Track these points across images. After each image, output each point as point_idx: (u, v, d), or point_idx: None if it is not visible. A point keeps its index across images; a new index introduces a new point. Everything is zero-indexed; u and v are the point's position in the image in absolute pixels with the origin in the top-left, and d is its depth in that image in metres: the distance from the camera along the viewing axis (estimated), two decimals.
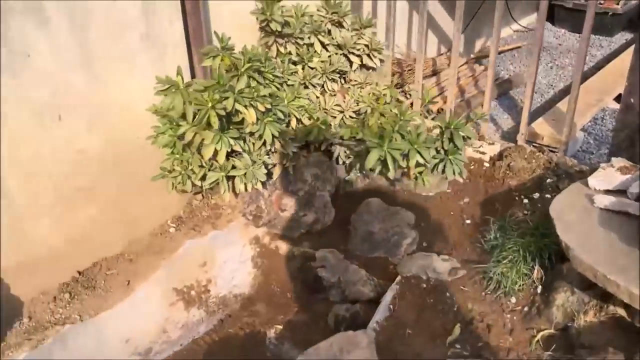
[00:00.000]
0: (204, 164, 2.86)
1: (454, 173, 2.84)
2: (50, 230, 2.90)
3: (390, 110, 2.74)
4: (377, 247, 3.38)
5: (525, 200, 3.35)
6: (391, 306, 2.92)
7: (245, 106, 2.59)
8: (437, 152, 2.79)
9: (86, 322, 2.88)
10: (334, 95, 3.50)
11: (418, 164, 2.66)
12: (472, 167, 3.73)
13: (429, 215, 3.55)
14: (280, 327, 3.38)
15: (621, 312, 2.60)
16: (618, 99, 4.61)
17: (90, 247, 3.11)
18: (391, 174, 2.66)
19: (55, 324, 2.83)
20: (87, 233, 3.06)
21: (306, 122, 3.09)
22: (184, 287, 3.32)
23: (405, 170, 2.90)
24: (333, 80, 3.50)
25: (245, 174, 2.84)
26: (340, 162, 3.44)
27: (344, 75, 3.60)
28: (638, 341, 2.41)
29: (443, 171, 2.84)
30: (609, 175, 2.70)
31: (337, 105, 3.34)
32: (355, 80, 3.55)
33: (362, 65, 3.64)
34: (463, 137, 2.78)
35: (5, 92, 2.49)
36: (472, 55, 5.79)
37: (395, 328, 2.82)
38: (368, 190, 3.69)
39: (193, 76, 3.19)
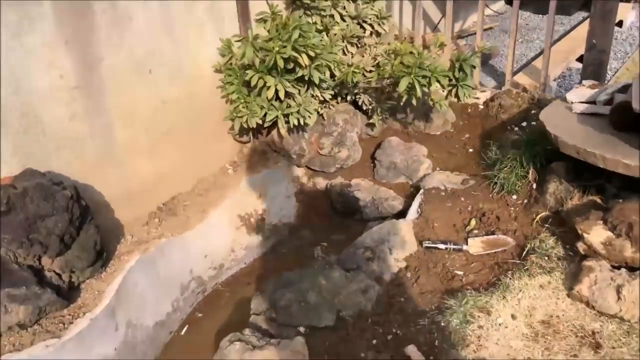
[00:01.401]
0: (264, 105, 3.59)
1: (465, 95, 3.61)
2: (143, 167, 3.58)
3: (410, 53, 3.50)
4: (399, 174, 4.13)
5: (516, 129, 4.16)
6: (419, 210, 3.67)
7: (300, 52, 3.33)
8: (450, 80, 3.56)
9: (176, 238, 3.56)
10: (353, 56, 4.26)
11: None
12: (469, 110, 4.53)
13: (438, 148, 4.33)
14: (325, 244, 4.10)
15: (596, 198, 3.39)
16: (580, 59, 5.51)
17: (171, 183, 3.79)
18: (419, 94, 3.40)
19: (153, 238, 3.50)
20: (168, 171, 3.74)
21: (338, 74, 3.84)
22: (246, 215, 4.02)
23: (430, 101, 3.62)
24: (351, 44, 4.27)
25: (298, 110, 3.58)
26: (364, 108, 4.20)
27: (359, 40, 4.36)
28: None
29: (457, 95, 3.62)
30: (581, 91, 3.52)
31: (359, 61, 4.10)
32: (369, 44, 4.32)
33: (373, 32, 4.41)
34: (470, 65, 3.56)
35: (113, 48, 3.18)
36: (454, 33, 6.64)
37: (425, 223, 3.56)
38: (386, 132, 4.45)
39: None
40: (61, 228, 2.79)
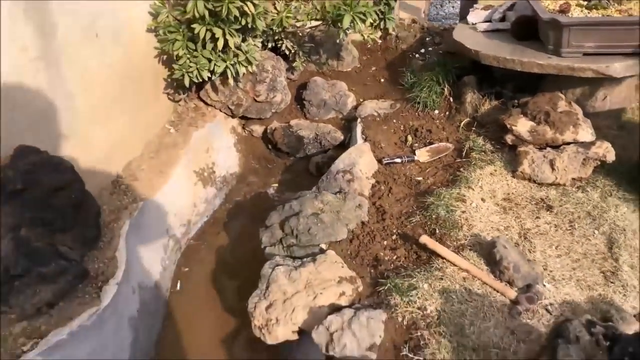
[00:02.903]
0: (212, 58, 3.69)
1: (392, 27, 4.07)
2: (100, 136, 3.50)
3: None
4: (330, 109, 4.53)
5: (417, 55, 4.76)
6: (363, 135, 4.11)
7: (245, 1, 3.48)
8: (377, 15, 3.97)
9: (149, 201, 3.59)
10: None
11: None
12: (368, 46, 5.02)
13: (354, 82, 4.78)
14: (276, 185, 4.39)
15: (497, 102, 4.12)
16: None
17: (123, 150, 3.75)
18: (360, 28, 3.77)
19: (128, 205, 3.50)
20: (120, 138, 3.69)
21: (268, 21, 4.03)
22: (199, 170, 4.13)
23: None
24: None
25: (246, 58, 3.75)
26: (287, 53, 4.46)
27: None
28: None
29: (384, 27, 4.06)
30: (478, 14, 4.20)
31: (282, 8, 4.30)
32: None
33: None
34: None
35: (65, 14, 3.05)
36: None
37: (373, 146, 4.00)
38: (303, 74, 4.78)
39: None
40: (73, 200, 2.74)
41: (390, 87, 4.67)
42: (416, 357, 2.40)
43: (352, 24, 3.72)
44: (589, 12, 3.61)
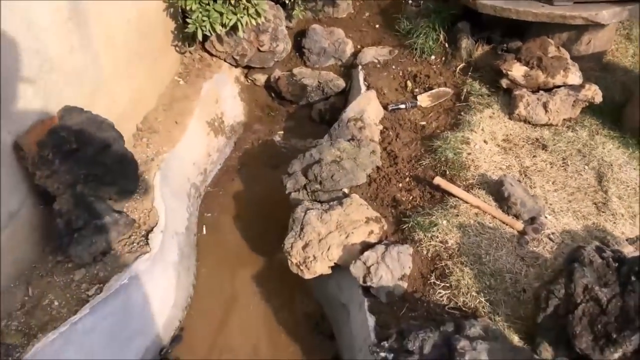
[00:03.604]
0: (223, 11, 3.81)
1: None
2: (122, 90, 3.63)
3: None
4: (329, 57, 4.71)
5: (410, 2, 4.94)
6: (366, 83, 4.34)
7: None
8: None
9: (172, 152, 3.77)
10: None
11: None
12: None
13: (350, 29, 4.94)
14: (281, 132, 4.61)
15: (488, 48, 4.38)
16: None
17: (140, 103, 3.89)
18: None
19: (153, 157, 3.68)
20: (137, 91, 3.82)
21: None
22: (211, 120, 4.31)
23: None
24: None
25: (256, 10, 3.88)
26: (287, 2, 4.58)
27: None
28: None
29: None
30: None
31: None
32: None
33: None
34: None
35: None
36: None
37: (376, 92, 4.25)
38: (300, 23, 4.92)
39: None
40: (117, 156, 2.93)
41: (386, 33, 4.86)
42: (442, 284, 2.76)
43: None
44: None
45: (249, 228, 3.88)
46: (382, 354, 2.25)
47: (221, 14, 3.82)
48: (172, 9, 4.05)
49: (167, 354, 3.11)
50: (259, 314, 3.37)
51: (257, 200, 4.07)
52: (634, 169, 3.43)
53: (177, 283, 3.26)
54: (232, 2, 3.75)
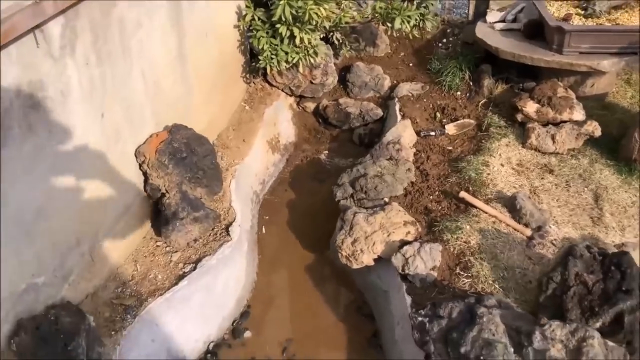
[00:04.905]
0: (288, 51, 4.64)
1: (431, 26, 5.03)
2: (203, 113, 4.45)
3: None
4: (370, 90, 5.51)
5: (440, 45, 5.75)
6: (401, 113, 5.12)
7: (320, 6, 4.41)
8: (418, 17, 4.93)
9: (242, 163, 4.57)
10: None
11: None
12: (397, 35, 5.96)
13: (387, 67, 5.75)
14: (326, 152, 5.40)
15: (506, 86, 5.16)
16: None
17: (215, 123, 4.71)
18: (406, 28, 4.75)
19: (228, 167, 4.47)
20: (214, 114, 4.65)
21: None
22: (270, 140, 5.11)
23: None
24: None
25: (314, 51, 4.70)
26: (335, 43, 5.40)
27: None
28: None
29: (423, 25, 5.03)
30: (494, 14, 5.20)
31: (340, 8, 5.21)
32: None
33: None
34: (430, 4, 4.98)
35: (188, 21, 3.96)
36: None
37: (409, 120, 5.03)
38: (344, 59, 5.74)
39: None
40: (212, 163, 3.72)
41: (418, 71, 5.66)
42: (465, 274, 3.49)
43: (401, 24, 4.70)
44: (585, 21, 4.63)
45: (299, 229, 4.63)
46: (420, 318, 2.98)
47: (286, 52, 4.64)
48: (243, 47, 4.89)
49: (238, 325, 3.85)
50: (310, 299, 4.09)
51: (305, 207, 4.83)
52: (625, 191, 4.14)
53: (246, 269, 4.01)
54: (297, 44, 4.56)
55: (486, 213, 3.92)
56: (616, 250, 3.22)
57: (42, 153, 2.76)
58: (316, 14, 4.39)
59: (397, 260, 3.55)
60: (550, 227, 3.83)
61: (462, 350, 2.71)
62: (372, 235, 3.75)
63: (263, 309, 4.03)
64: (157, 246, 3.76)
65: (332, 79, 5.39)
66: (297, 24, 4.50)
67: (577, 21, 4.65)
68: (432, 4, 4.94)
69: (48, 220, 2.88)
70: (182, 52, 3.94)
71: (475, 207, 3.96)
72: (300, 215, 4.78)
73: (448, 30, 5.82)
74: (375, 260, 3.77)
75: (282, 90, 5.32)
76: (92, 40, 2.99)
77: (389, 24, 4.75)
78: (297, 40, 4.52)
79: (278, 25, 4.48)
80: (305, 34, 4.52)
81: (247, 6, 4.59)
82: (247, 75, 5.08)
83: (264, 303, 4.06)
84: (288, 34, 4.52)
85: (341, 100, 5.39)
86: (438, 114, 5.13)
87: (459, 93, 5.29)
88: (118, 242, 3.54)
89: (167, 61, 3.75)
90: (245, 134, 4.85)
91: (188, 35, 3.98)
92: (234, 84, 4.91)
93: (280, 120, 5.26)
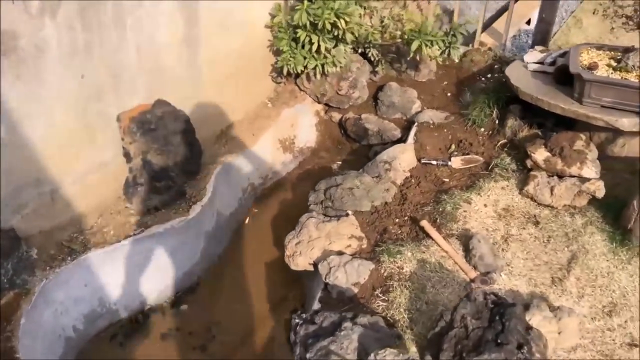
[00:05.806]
0: (306, 56, 4.81)
1: (455, 55, 4.96)
2: (214, 99, 4.75)
3: (415, 22, 4.77)
4: (397, 111, 5.49)
5: (483, 79, 5.58)
6: (415, 137, 5.06)
7: (339, 18, 4.54)
8: (444, 43, 4.87)
9: (239, 155, 4.81)
10: (362, 17, 5.48)
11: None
12: (446, 63, 5.89)
13: (424, 92, 5.69)
14: (340, 162, 5.46)
15: (537, 131, 4.87)
16: (528, 22, 6.98)
17: (229, 113, 4.99)
18: (431, 53, 4.73)
19: (224, 154, 4.73)
20: (228, 103, 4.93)
21: (359, 33, 5.05)
22: (283, 139, 5.29)
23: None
24: (362, 7, 5.48)
25: (332, 61, 4.83)
26: (372, 59, 5.47)
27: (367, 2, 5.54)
28: None
29: (449, 53, 4.95)
30: (534, 54, 4.95)
31: (373, 23, 5.32)
32: (376, 7, 5.54)
33: None
34: (460, 33, 4.89)
35: (206, 9, 4.29)
36: None
37: (420, 147, 4.94)
38: (384, 78, 5.77)
39: None
40: (184, 141, 4.00)
41: (452, 101, 5.53)
42: (382, 297, 3.42)
43: (419, 48, 4.67)
44: (613, 72, 4.27)
45: (282, 227, 4.72)
46: (297, 320, 3.00)
47: (305, 57, 4.81)
48: (274, 47, 5.14)
49: (179, 297, 4.08)
50: (258, 292, 4.21)
51: (298, 208, 4.92)
52: (606, 260, 3.77)
53: (204, 248, 4.23)
54: (314, 50, 4.72)
55: (440, 246, 3.79)
56: (509, 302, 2.99)
57: (9, 93, 3.19)
58: (333, 24, 4.52)
59: (322, 268, 3.58)
60: (500, 275, 3.62)
61: (308, 356, 2.70)
62: (314, 241, 3.80)
63: (210, 290, 4.22)
64: (126, 207, 4.11)
65: (360, 94, 5.46)
66: (317, 32, 4.65)
67: (603, 71, 4.30)
68: (463, 33, 4.84)
69: (7, 152, 3.31)
70: (192, 37, 4.27)
71: (431, 238, 3.84)
72: (288, 215, 4.90)
73: (496, 67, 5.62)
74: (312, 265, 3.81)
75: (309, 96, 5.49)
76: (78, 9, 3.39)
77: (409, 46, 4.74)
78: (314, 47, 4.67)
79: (298, 30, 4.67)
80: (324, 42, 4.66)
81: (278, 8, 4.83)
82: (276, 75, 5.31)
83: (213, 285, 4.26)
84: (307, 39, 4.69)
85: (363, 116, 5.44)
86: (453, 146, 5.00)
87: (482, 129, 5.11)
88: (87, 193, 3.93)
89: (170, 42, 4.10)
90: (256, 129, 5.08)
91: (203, 23, 4.30)
92: (256, 79, 5.17)
93: (301, 123, 5.43)
